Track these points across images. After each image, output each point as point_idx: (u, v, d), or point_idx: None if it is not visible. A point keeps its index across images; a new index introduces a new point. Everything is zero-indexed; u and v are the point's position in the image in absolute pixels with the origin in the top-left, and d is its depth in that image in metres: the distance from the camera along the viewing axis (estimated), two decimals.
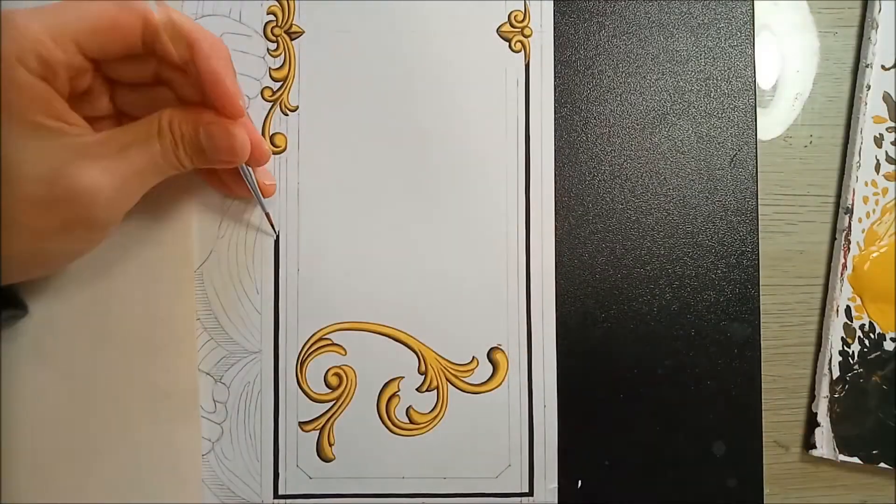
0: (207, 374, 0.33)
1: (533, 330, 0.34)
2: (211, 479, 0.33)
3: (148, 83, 0.30)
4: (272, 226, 0.33)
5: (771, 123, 0.35)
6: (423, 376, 0.34)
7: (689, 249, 0.34)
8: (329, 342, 0.34)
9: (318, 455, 0.33)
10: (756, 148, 0.34)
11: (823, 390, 0.34)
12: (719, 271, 0.34)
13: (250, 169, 0.31)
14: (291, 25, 0.34)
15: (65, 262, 0.31)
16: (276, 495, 0.33)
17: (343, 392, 0.34)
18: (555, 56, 0.34)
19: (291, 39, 0.34)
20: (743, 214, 0.34)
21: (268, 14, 0.34)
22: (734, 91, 0.35)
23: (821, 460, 0.34)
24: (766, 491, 0.34)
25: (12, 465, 0.31)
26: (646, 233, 0.34)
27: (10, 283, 0.28)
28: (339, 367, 0.34)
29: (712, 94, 0.35)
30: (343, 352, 0.34)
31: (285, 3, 0.34)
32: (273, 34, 0.34)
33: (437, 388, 0.34)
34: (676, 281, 0.34)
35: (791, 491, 0.35)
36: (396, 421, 0.34)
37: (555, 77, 0.34)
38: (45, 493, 0.31)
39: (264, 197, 0.33)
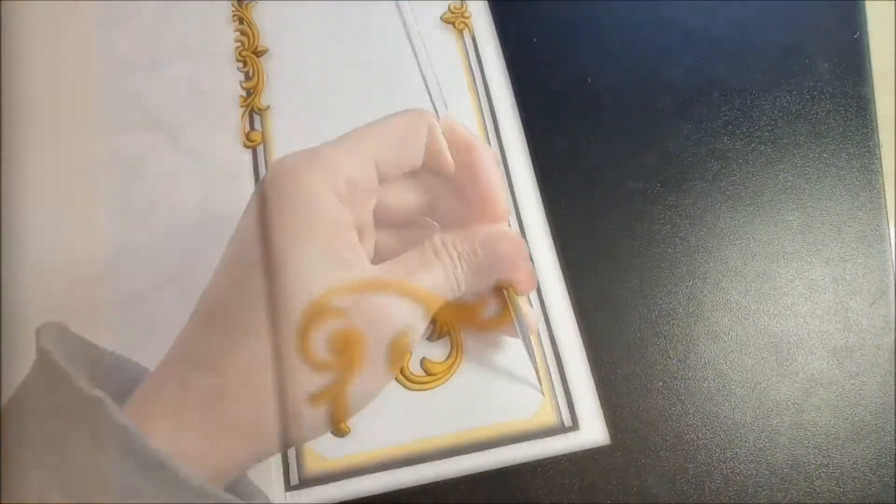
0: None
1: (532, 253, 0.33)
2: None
3: (408, 219, 0.29)
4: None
5: None
6: (432, 324, 0.31)
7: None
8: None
9: (331, 431, 0.29)
10: None
11: None
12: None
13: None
14: (257, 47, 0.38)
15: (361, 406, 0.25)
16: (289, 487, 0.29)
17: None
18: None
19: (258, 57, 0.38)
20: None
21: (235, 42, 0.38)
22: None
23: None
24: None
25: None
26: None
27: None
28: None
29: None
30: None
31: (248, 29, 0.38)
32: (241, 56, 0.38)
33: (449, 333, 0.31)
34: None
35: None
36: (411, 375, 0.30)
37: None
38: None
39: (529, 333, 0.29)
